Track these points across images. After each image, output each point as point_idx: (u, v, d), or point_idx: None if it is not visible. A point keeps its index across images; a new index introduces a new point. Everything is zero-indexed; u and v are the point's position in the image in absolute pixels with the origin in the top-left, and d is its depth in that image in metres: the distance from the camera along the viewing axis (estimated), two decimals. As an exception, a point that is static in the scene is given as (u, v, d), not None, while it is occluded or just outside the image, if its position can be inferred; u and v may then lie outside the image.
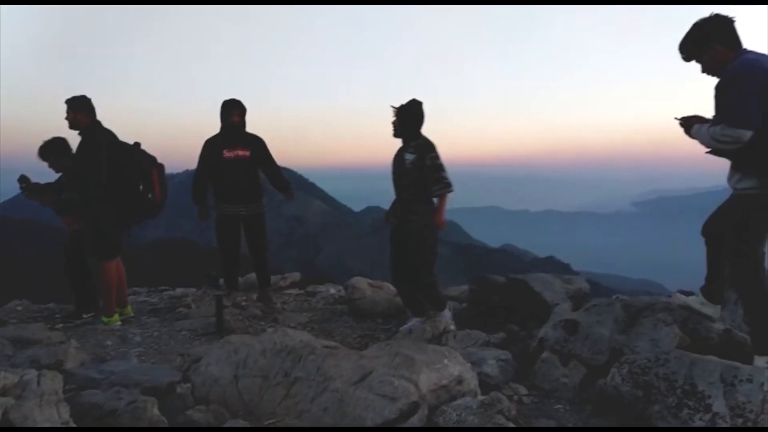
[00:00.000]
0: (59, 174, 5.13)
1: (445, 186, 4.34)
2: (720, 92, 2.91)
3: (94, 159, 4.68)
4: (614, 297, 3.86)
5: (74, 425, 2.00)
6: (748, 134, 2.77)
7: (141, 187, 4.98)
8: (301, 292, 6.58)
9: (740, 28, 3.01)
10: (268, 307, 5.51)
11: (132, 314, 5.21)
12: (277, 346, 2.94)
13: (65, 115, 4.77)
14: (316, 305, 5.90)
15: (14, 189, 5.11)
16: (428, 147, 4.35)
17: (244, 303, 5.68)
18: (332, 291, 6.65)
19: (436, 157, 4.33)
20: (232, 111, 5.39)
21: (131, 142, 5.02)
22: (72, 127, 4.79)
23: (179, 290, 6.72)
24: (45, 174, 5.11)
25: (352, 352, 2.95)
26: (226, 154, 5.32)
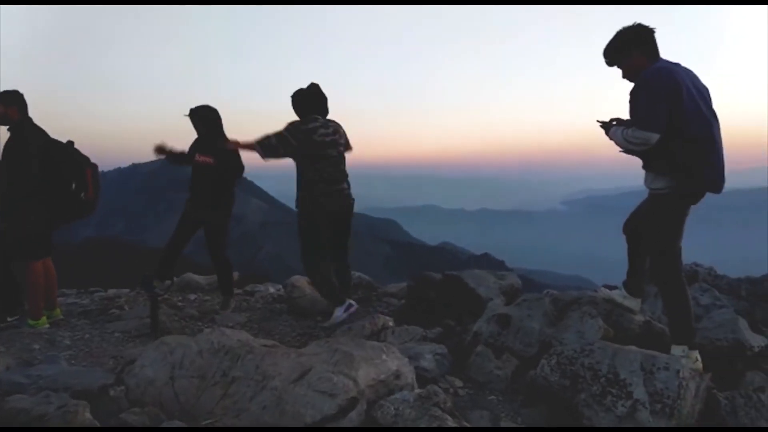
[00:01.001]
0: None
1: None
2: (633, 97, 3.13)
3: (23, 156, 4.49)
4: (545, 292, 4.04)
5: (1, 432, 1.93)
6: (655, 137, 2.99)
7: (74, 185, 4.81)
8: (240, 291, 6.50)
9: (659, 39, 3.25)
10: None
11: (61, 316, 5.01)
12: (215, 346, 2.92)
13: None
14: (254, 305, 5.85)
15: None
16: None
17: (179, 303, 5.57)
18: (272, 290, 6.61)
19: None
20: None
21: (64, 140, 4.85)
22: (1, 122, 4.58)
23: (111, 291, 6.50)
24: None
25: (290, 351, 2.96)
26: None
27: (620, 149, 3.21)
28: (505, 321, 3.63)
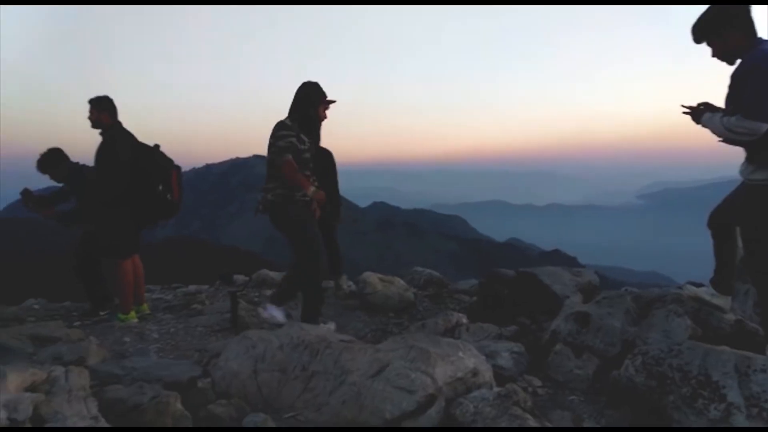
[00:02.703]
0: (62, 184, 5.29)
1: None
2: (737, 81, 2.89)
3: (114, 159, 4.76)
4: (623, 289, 3.89)
5: (103, 420, 2.06)
6: (765, 127, 2.77)
7: (160, 187, 5.05)
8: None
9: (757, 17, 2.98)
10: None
11: (148, 311, 5.28)
12: (294, 341, 2.99)
13: (88, 114, 4.84)
14: (327, 300, 5.95)
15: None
16: None
17: (256, 299, 5.75)
18: (342, 286, 6.70)
19: None
20: None
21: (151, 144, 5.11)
22: (94, 126, 4.86)
23: (192, 287, 6.80)
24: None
25: (367, 346, 3.00)
26: None
27: (719, 138, 2.99)
28: (584, 319, 3.52)
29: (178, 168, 5.19)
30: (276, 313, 4.46)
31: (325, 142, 4.78)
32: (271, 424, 2.45)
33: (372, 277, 5.67)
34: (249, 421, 2.47)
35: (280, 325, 4.14)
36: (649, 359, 2.80)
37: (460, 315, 4.47)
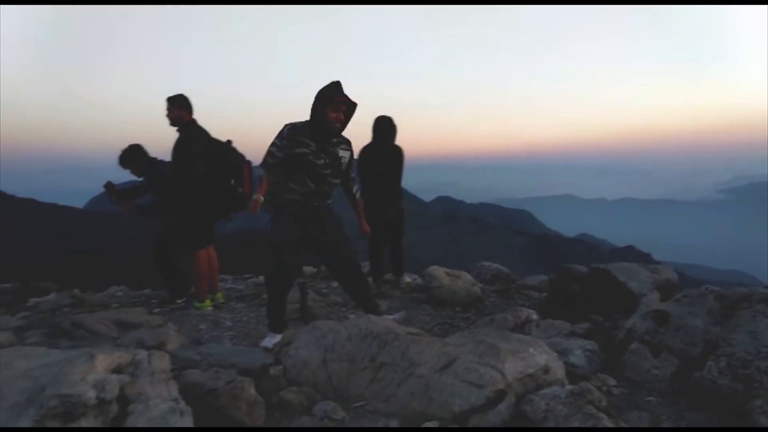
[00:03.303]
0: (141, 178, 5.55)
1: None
2: None
3: (190, 155, 4.96)
4: (703, 288, 3.68)
5: (183, 402, 2.15)
6: None
7: (233, 181, 5.23)
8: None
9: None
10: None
11: (222, 300, 5.49)
12: (363, 332, 3.02)
13: (166, 112, 5.06)
14: (393, 293, 5.98)
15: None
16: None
17: (324, 290, 5.85)
18: (407, 280, 6.72)
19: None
20: None
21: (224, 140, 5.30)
22: (173, 123, 5.09)
23: (262, 278, 6.99)
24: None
25: (435, 339, 2.99)
26: None
27: None
28: (663, 318, 3.36)
29: (248, 163, 5.35)
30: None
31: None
32: (340, 412, 2.49)
33: (438, 271, 5.64)
34: (319, 409, 2.52)
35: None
36: (734, 361, 2.64)
37: (530, 311, 4.38)
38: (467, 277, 5.76)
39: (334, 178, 4.03)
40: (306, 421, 2.42)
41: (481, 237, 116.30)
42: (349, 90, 3.83)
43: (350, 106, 3.90)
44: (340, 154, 4.02)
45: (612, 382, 3.01)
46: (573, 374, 2.99)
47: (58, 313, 5.06)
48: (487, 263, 6.74)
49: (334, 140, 3.98)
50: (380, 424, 2.46)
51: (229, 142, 5.25)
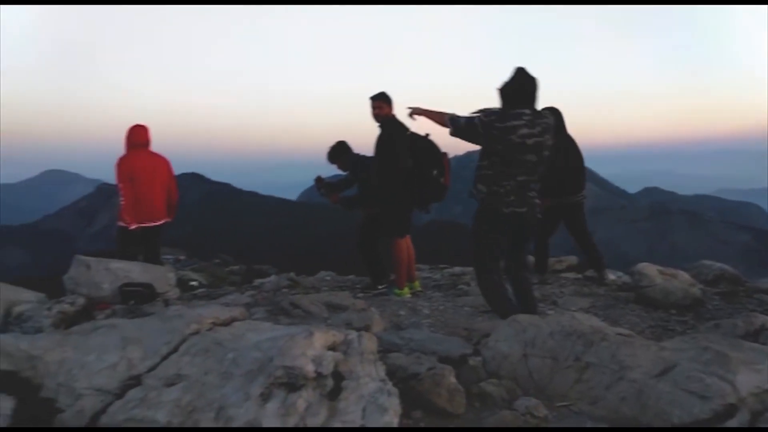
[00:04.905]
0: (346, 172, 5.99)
1: None
2: None
3: (393, 148, 5.21)
4: None
5: (390, 383, 2.25)
6: None
7: (434, 172, 5.37)
8: (579, 276, 6.34)
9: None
10: None
11: (420, 288, 5.68)
12: (566, 329, 2.88)
13: (372, 110, 5.37)
14: (596, 291, 5.63)
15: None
16: None
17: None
18: (612, 277, 6.29)
19: None
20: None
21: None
22: (377, 119, 5.38)
23: (457, 269, 7.08)
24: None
25: (650, 343, 2.74)
26: None
27: None
28: None
29: (445, 154, 5.44)
30: None
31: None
32: (543, 410, 2.40)
33: (650, 269, 5.17)
34: (520, 404, 2.45)
35: None
36: None
37: (766, 317, 3.80)
38: (684, 276, 5.19)
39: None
40: (506, 415, 2.37)
41: (695, 232, 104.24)
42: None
43: None
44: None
45: None
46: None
47: (278, 294, 5.66)
48: (708, 262, 6.03)
49: None
50: (588, 425, 2.32)
51: (427, 135, 5.39)
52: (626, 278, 5.98)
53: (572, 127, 5.65)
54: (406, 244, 5.48)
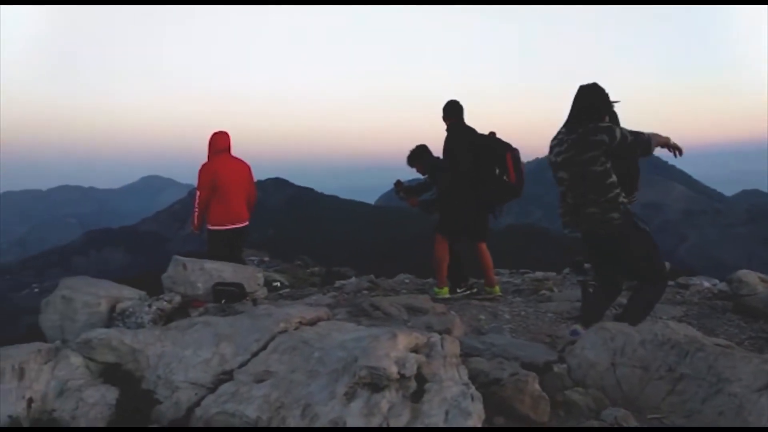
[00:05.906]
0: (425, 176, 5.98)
1: None
2: None
3: (453, 150, 5.27)
4: None
5: (473, 387, 2.24)
6: None
7: (497, 170, 5.32)
8: (671, 283, 6.03)
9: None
10: None
11: (500, 293, 5.60)
12: (659, 338, 2.75)
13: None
14: (690, 299, 5.35)
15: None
16: None
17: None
18: (706, 284, 5.96)
19: None
20: None
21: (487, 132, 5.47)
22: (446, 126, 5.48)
23: (539, 273, 6.92)
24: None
25: (751, 355, 2.58)
26: None
27: None
28: None
29: (515, 151, 5.35)
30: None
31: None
32: (632, 421, 2.31)
33: (751, 276, 4.85)
34: (608, 415, 2.37)
35: None
36: None
37: None
38: (790, 285, 4.83)
39: None
40: (593, 425, 2.30)
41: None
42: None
43: None
44: None
45: None
46: None
47: (359, 295, 5.75)
48: (820, 270, 5.55)
49: None
50: None
51: (492, 133, 5.35)
52: (722, 286, 5.64)
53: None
54: (444, 242, 5.44)
